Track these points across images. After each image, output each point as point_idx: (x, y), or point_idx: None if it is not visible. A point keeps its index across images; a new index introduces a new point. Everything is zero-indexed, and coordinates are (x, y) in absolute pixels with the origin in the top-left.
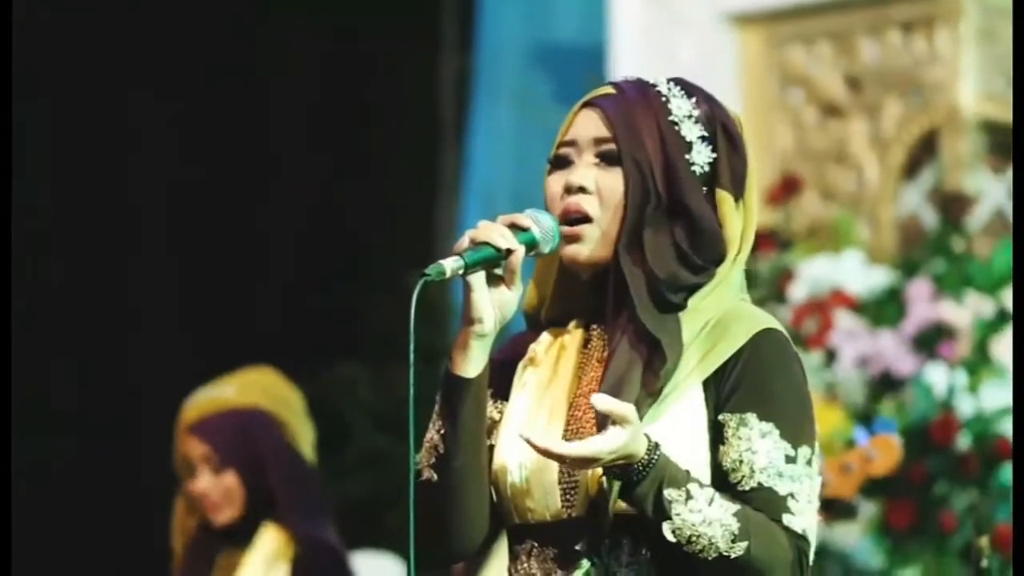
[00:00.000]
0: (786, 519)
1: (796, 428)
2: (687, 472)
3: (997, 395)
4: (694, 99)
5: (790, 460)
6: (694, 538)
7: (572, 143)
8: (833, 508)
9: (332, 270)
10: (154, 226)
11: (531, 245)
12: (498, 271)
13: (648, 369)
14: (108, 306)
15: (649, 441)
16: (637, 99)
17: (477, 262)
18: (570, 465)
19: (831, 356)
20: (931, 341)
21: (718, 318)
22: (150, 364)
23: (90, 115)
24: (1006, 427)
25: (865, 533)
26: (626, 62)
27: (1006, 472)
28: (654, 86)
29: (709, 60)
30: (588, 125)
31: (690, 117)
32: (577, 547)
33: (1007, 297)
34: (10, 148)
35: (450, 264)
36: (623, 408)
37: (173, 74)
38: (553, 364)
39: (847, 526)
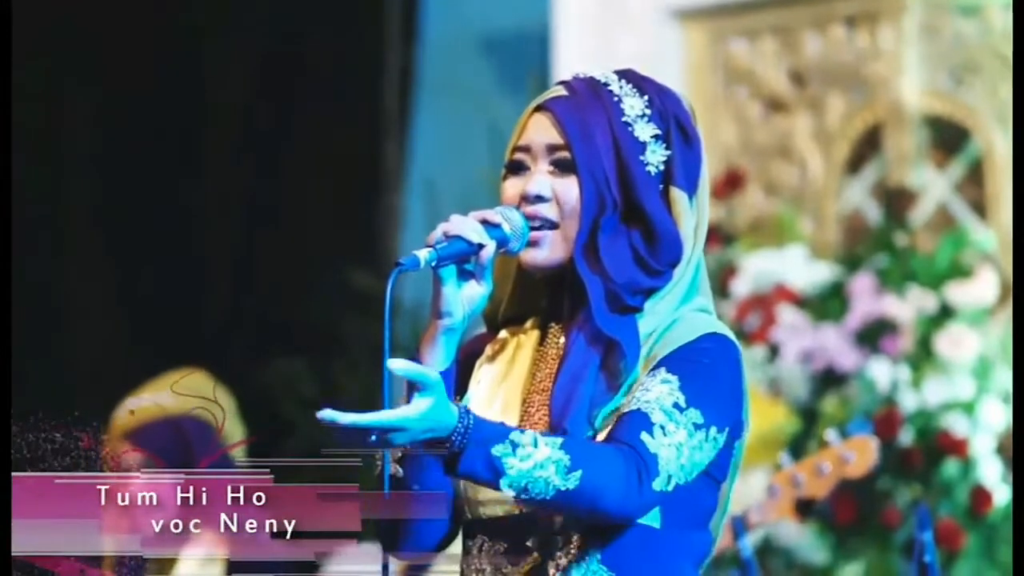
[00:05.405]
0: (643, 435)
1: (700, 394)
2: (501, 423)
3: (940, 390)
4: (647, 97)
5: (678, 408)
6: (530, 484)
7: (526, 148)
8: (804, 509)
9: (273, 264)
10: (88, 223)
11: (502, 241)
12: (468, 266)
13: (604, 367)
14: (42, 307)
15: (458, 408)
16: (589, 101)
17: (449, 255)
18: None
19: (774, 351)
20: (874, 336)
21: (670, 324)
22: (86, 366)
23: (16, 111)
24: (949, 422)
25: (808, 528)
26: (569, 57)
27: (949, 467)
28: (606, 85)
29: (653, 55)
30: (541, 131)
31: (643, 116)
32: (528, 543)
33: (950, 292)
34: None
35: (423, 255)
36: (424, 372)
37: (108, 64)
38: (509, 360)
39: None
